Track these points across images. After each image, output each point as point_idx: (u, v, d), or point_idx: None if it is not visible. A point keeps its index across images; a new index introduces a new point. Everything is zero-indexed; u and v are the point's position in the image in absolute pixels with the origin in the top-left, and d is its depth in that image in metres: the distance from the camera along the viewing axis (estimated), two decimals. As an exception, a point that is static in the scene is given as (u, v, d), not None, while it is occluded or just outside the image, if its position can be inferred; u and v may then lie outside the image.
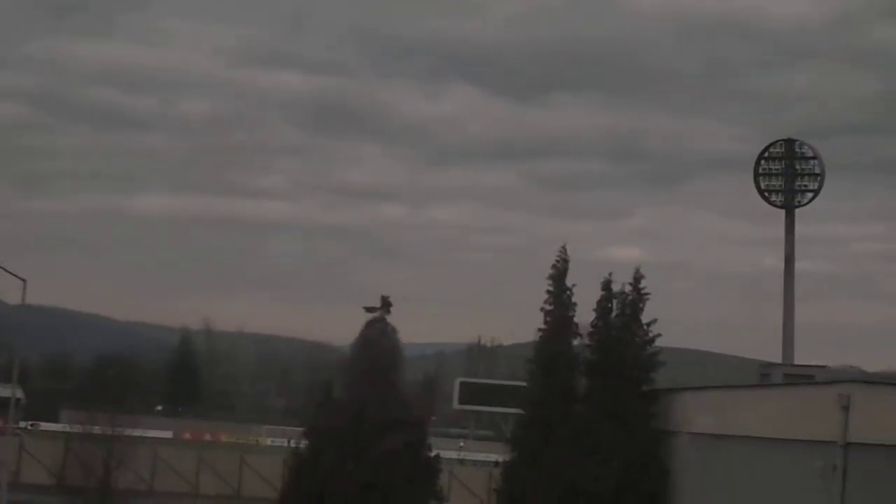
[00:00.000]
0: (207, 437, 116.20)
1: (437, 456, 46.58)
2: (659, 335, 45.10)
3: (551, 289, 47.46)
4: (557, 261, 47.71)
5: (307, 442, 45.91)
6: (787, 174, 75.91)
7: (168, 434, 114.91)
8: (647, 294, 45.42)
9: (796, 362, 58.66)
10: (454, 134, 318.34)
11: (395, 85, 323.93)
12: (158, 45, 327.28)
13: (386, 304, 45.92)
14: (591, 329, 45.32)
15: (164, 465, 67.88)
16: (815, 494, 34.38)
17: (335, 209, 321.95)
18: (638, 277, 45.72)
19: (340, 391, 46.88)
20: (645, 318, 45.35)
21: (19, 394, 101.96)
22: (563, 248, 47.84)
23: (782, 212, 75.47)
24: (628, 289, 45.28)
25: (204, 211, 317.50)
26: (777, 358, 64.25)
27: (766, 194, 75.76)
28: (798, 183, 75.83)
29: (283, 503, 46.01)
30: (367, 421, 44.20)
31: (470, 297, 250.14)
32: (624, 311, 45.49)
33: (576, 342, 46.97)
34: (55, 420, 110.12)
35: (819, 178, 75.69)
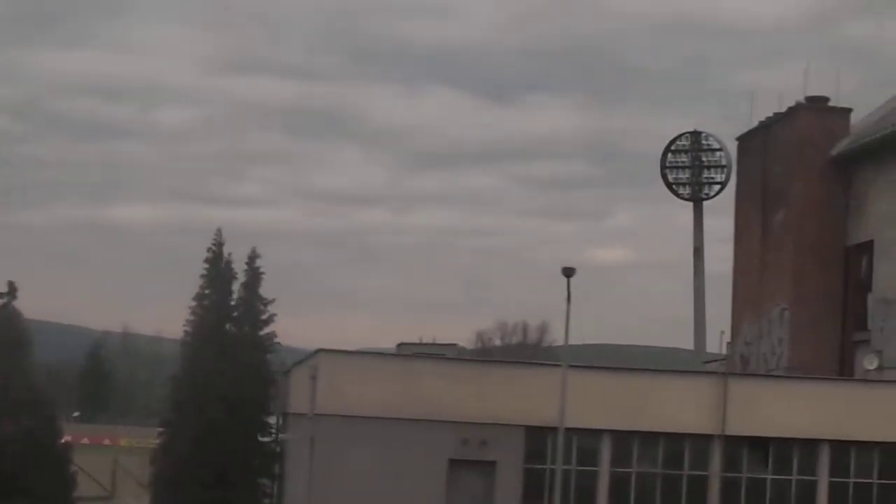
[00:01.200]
0: (106, 441, 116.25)
1: (66, 444, 46.19)
2: (275, 315, 44.61)
3: (205, 273, 47.02)
4: (214, 244, 47.23)
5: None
6: (693, 167, 74.56)
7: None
8: (262, 273, 44.93)
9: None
10: (434, 137, 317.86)
11: (374, 89, 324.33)
12: (136, 53, 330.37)
13: (13, 290, 45.57)
14: (193, 308, 44.81)
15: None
16: (305, 466, 33.81)
17: (316, 215, 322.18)
18: (253, 256, 45.17)
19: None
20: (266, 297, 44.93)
21: None
22: (219, 231, 47.32)
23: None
24: (244, 268, 44.77)
25: (184, 219, 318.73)
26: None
27: (674, 187, 74.70)
28: (705, 175, 74.53)
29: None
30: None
31: (454, 300, 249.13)
32: (244, 292, 44.93)
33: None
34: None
35: (726, 169, 74.23)
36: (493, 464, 33.21)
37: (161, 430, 47.69)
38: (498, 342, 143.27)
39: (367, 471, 32.55)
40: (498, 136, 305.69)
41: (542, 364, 35.16)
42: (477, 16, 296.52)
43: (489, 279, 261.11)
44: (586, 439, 33.50)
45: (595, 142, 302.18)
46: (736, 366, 43.58)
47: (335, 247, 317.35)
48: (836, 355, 39.98)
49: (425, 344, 43.55)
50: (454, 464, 33.02)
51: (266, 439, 44.71)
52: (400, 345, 45.36)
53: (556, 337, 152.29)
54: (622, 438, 33.77)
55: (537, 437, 33.12)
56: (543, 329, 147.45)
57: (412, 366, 33.83)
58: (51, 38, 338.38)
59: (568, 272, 30.78)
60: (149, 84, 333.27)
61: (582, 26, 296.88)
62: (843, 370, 39.58)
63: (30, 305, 47.96)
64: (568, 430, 32.21)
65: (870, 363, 37.98)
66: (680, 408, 33.80)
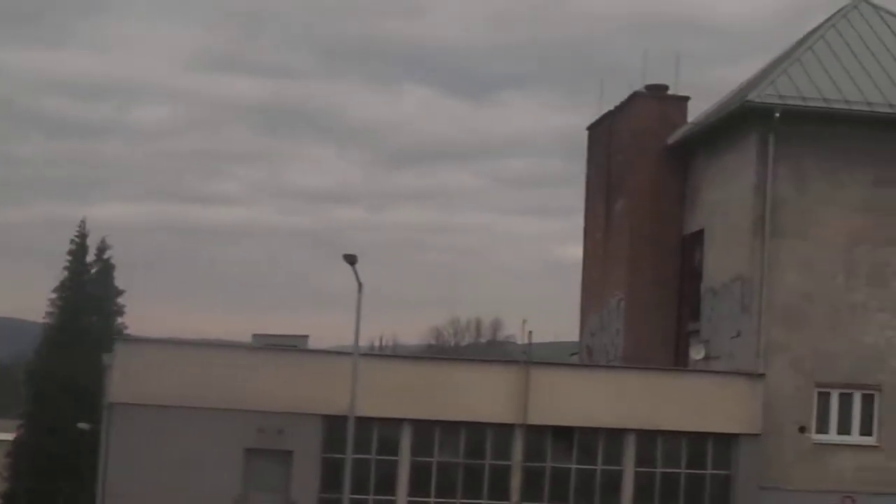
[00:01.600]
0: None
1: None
2: (125, 306, 44.61)
3: (68, 265, 47.07)
4: (77, 236, 47.35)
5: None
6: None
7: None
8: (113, 265, 44.91)
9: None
10: (410, 135, 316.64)
11: (349, 87, 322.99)
12: (112, 52, 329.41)
13: None
14: (53, 300, 44.89)
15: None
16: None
17: (291, 213, 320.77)
18: (102, 248, 45.16)
19: None
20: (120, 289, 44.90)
21: None
22: (82, 222, 47.40)
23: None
24: (93, 259, 44.80)
25: (159, 217, 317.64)
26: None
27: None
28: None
29: None
30: None
31: (426, 298, 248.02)
32: (95, 284, 44.96)
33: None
34: None
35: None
36: (290, 453, 33.04)
37: (20, 422, 47.69)
38: (452, 340, 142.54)
39: (162, 461, 32.35)
40: (474, 133, 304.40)
41: (338, 353, 34.98)
42: (452, 13, 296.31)
43: (463, 277, 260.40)
44: (386, 429, 33.37)
45: (571, 140, 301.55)
46: (583, 357, 43.43)
47: (310, 245, 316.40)
48: (671, 345, 39.78)
49: (277, 335, 43.40)
50: (250, 453, 32.84)
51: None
52: (254, 336, 45.26)
53: (511, 333, 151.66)
54: (423, 428, 33.61)
55: (335, 427, 32.92)
56: (496, 326, 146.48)
57: (208, 354, 33.63)
58: (27, 35, 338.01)
59: (350, 259, 30.70)
60: (125, 82, 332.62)
61: (557, 24, 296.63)
62: (678, 360, 39.40)
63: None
64: (367, 419, 32.24)
65: (697, 353, 37.79)
66: (481, 397, 33.63)
